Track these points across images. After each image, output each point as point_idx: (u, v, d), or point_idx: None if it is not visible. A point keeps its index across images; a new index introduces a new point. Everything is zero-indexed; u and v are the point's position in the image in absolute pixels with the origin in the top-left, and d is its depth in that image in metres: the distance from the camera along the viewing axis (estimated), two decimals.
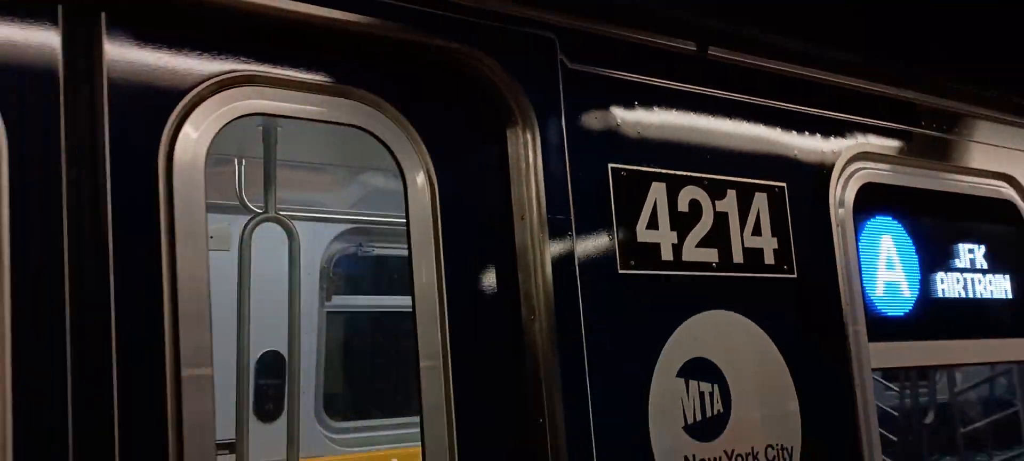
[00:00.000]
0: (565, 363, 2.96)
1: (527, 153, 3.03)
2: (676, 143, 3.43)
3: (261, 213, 4.79)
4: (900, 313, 4.08)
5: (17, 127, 2.23)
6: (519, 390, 2.97)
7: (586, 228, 3.11)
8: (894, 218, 4.13)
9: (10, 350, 2.13)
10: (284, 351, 6.79)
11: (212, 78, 2.55)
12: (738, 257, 3.50)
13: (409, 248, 2.87)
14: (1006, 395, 4.99)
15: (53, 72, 2.32)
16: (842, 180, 3.92)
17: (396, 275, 7.50)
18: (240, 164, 5.63)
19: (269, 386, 6.68)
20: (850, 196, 3.93)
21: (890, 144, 4.15)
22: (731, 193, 3.52)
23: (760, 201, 3.60)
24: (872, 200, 4.02)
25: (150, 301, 2.35)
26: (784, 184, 3.69)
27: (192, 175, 2.47)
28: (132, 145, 2.39)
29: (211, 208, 7.08)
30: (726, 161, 3.53)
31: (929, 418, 6.59)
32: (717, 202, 3.47)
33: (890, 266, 4.09)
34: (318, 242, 7.11)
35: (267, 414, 6.67)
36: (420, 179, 2.89)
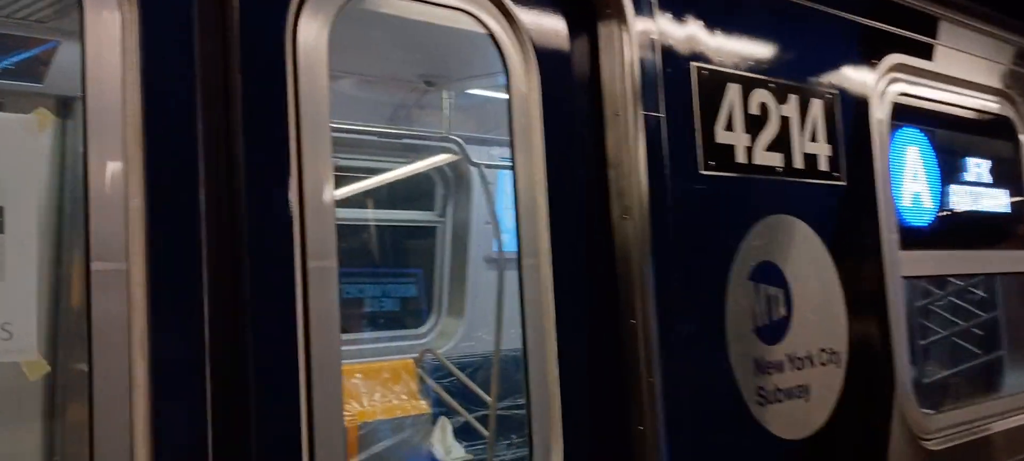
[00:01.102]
0: (657, 264, 2.89)
1: (621, 47, 2.90)
2: (749, 45, 3.37)
3: None
4: (924, 223, 4.18)
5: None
6: (611, 290, 2.88)
7: (673, 127, 3.03)
8: (921, 131, 4.21)
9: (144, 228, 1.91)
10: None
11: None
12: (798, 162, 3.48)
13: (511, 144, 2.73)
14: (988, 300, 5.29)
15: None
16: (881, 91, 3.95)
17: (368, 190, 7.24)
18: None
19: None
20: (887, 107, 3.98)
21: (920, 62, 4.20)
22: (793, 98, 3.49)
23: (816, 107, 3.58)
24: (903, 113, 4.08)
25: (280, 186, 2.15)
26: (836, 92, 3.69)
27: (316, 54, 2.26)
28: (260, 18, 2.16)
29: None
30: (789, 66, 3.50)
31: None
32: (781, 106, 3.44)
33: (915, 178, 4.18)
34: None
35: None
36: (523, 75, 2.74)
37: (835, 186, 3.64)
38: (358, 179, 7.21)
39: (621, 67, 2.90)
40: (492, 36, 2.70)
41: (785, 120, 3.45)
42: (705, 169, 3.12)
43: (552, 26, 2.85)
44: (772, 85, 3.41)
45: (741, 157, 3.26)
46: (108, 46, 1.91)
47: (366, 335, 7.55)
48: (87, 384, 1.78)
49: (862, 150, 3.81)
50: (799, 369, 3.36)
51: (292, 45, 2.21)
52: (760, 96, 3.35)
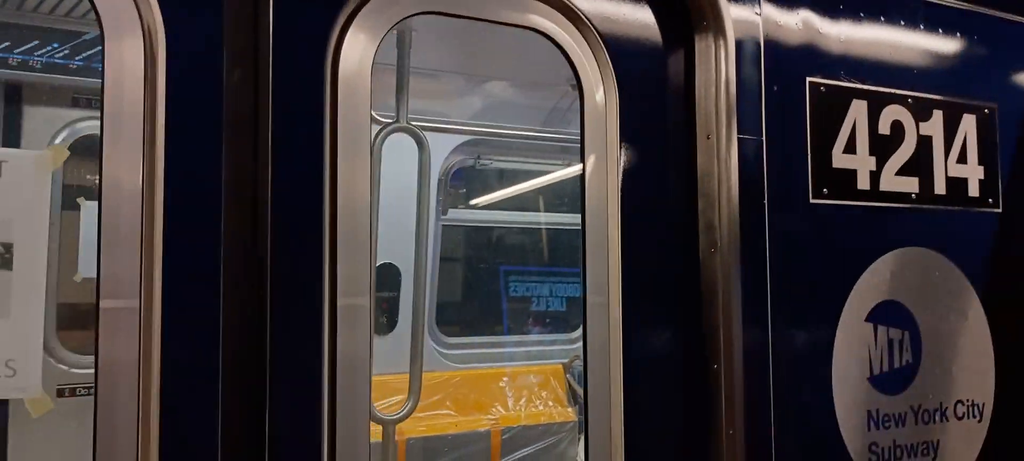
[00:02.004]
0: (747, 303, 2.61)
1: (717, 63, 2.62)
2: (880, 55, 2.99)
3: (393, 122, 4.52)
4: None
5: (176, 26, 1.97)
6: (693, 331, 2.64)
7: (777, 150, 2.73)
8: None
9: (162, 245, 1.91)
10: (398, 264, 6.66)
11: None
12: (940, 187, 3.07)
13: (582, 163, 2.54)
14: None
15: None
16: None
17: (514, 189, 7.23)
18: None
19: (383, 299, 6.53)
20: None
21: None
22: (937, 114, 3.08)
23: (968, 124, 3.14)
24: None
25: (310, 215, 2.09)
26: (995, 105, 3.22)
27: (358, 82, 2.18)
28: (296, 50, 2.10)
29: None
30: (933, 77, 3.08)
31: None
32: (921, 124, 3.04)
33: None
34: (436, 154, 6.85)
35: (379, 327, 6.54)
36: (598, 88, 2.54)
37: (987, 214, 3.18)
38: (520, 181, 7.22)
39: (716, 84, 2.62)
40: (559, 47, 2.52)
41: (926, 140, 3.04)
42: (816, 198, 2.80)
43: (638, 37, 2.63)
44: (910, 100, 3.01)
45: (863, 183, 2.90)
46: (131, 75, 1.91)
47: (520, 337, 7.54)
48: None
49: None
50: (925, 423, 2.97)
51: (331, 74, 2.14)
52: (893, 113, 2.98)
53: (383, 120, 4.99)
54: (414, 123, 5.07)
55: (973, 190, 3.14)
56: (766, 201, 2.69)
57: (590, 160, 2.53)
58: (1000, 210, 3.20)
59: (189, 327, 1.94)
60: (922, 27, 3.11)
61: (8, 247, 1.78)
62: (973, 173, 3.15)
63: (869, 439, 2.84)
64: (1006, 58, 3.30)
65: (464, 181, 7.37)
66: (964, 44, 3.20)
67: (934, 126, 3.06)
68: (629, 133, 2.56)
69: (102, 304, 1.83)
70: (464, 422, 6.64)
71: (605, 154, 2.54)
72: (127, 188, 1.89)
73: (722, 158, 2.62)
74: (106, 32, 1.89)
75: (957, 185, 3.11)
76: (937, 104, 3.07)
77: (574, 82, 2.58)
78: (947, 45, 3.15)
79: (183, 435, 1.90)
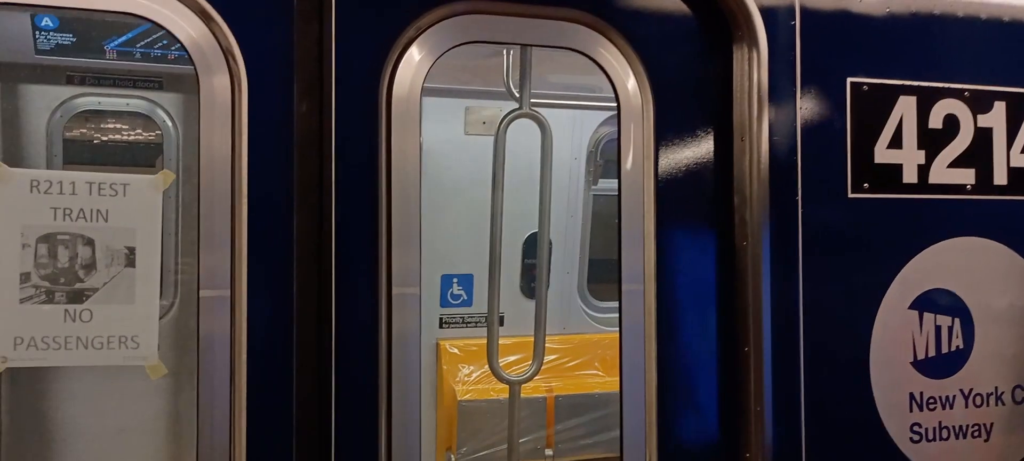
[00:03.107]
0: (777, 292, 2.86)
1: (751, 69, 2.86)
2: (931, 50, 3.08)
3: (516, 109, 4.94)
4: None
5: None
6: (726, 319, 2.91)
7: (814, 150, 2.93)
8: None
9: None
10: (553, 235, 7.10)
11: (435, 8, 2.65)
12: (1000, 178, 3.13)
13: (619, 170, 2.87)
14: None
15: (288, 8, 2.54)
16: None
17: None
18: (508, 53, 5.81)
19: (530, 266, 7.00)
20: None
21: None
22: (999, 105, 3.13)
23: None
24: None
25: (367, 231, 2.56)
26: None
27: (408, 107, 2.62)
28: (355, 78, 2.57)
29: (482, 95, 7.32)
30: (993, 69, 3.13)
31: None
32: (979, 116, 3.10)
33: None
34: (586, 126, 7.19)
35: (532, 291, 7.03)
36: (635, 100, 2.85)
37: None
38: None
39: (748, 90, 2.86)
40: (598, 63, 2.83)
41: (984, 132, 3.11)
42: (855, 192, 2.97)
43: (673, 49, 2.90)
44: (966, 94, 3.09)
45: (910, 176, 3.03)
46: (221, 107, 2.45)
47: None
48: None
49: None
50: (978, 406, 3.08)
51: (386, 101, 2.59)
52: (947, 106, 3.07)
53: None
54: (547, 102, 5.46)
55: None
56: (799, 197, 2.90)
57: (627, 161, 2.85)
58: None
59: (270, 312, 2.48)
60: (982, 15, 3.15)
61: (132, 250, 2.37)
62: None
63: (911, 420, 3.00)
64: None
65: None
66: None
67: (995, 118, 3.11)
68: (665, 138, 2.85)
69: (202, 293, 2.40)
70: (611, 382, 7.04)
71: (641, 156, 2.85)
72: (219, 197, 2.45)
73: (754, 158, 2.86)
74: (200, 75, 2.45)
75: (1020, 174, 3.15)
76: (998, 95, 3.11)
77: None
78: (1010, 32, 3.18)
79: (265, 403, 2.46)
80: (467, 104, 6.75)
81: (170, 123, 5.62)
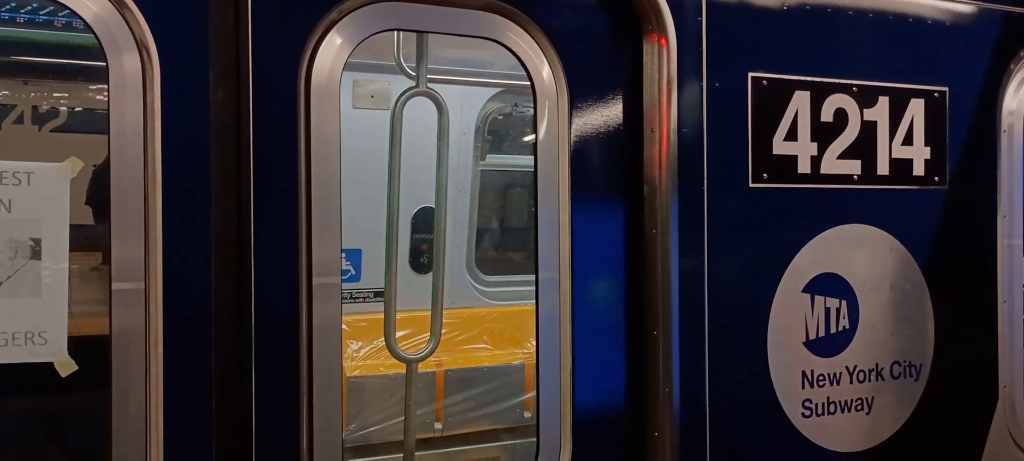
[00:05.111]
0: (685, 277, 2.98)
1: (660, 62, 2.95)
2: (824, 48, 3.26)
3: (413, 88, 4.91)
4: None
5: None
6: (635, 303, 3.01)
7: (718, 140, 3.06)
8: None
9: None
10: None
11: None
12: (883, 168, 3.35)
13: (535, 158, 2.91)
14: None
15: None
16: (1016, 83, 3.62)
17: None
18: (398, 34, 5.75)
19: (423, 240, 6.99)
20: (1022, 100, 3.64)
21: None
22: (883, 100, 3.34)
23: (915, 108, 3.39)
24: None
25: (286, 213, 2.53)
26: (945, 88, 3.45)
27: (329, 94, 2.58)
28: (273, 65, 2.51)
29: (374, 69, 7.22)
30: (879, 66, 3.33)
31: None
32: (866, 110, 3.31)
33: None
34: (474, 102, 7.21)
35: (421, 267, 7.02)
36: (550, 91, 2.90)
37: (932, 191, 3.45)
38: None
39: (659, 83, 2.95)
40: (519, 58, 2.87)
41: (871, 125, 3.31)
42: (756, 182, 3.12)
43: (587, 42, 2.96)
44: (855, 89, 3.28)
45: (804, 167, 3.20)
46: (131, 92, 2.35)
47: None
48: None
49: (978, 150, 3.55)
50: (861, 382, 3.30)
51: (305, 89, 2.55)
52: (837, 101, 3.25)
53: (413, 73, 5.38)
54: (442, 79, 5.44)
55: (918, 169, 3.40)
56: (705, 187, 3.02)
57: (542, 152, 2.90)
58: (945, 187, 3.46)
59: (186, 306, 2.42)
60: (871, 16, 3.35)
61: (38, 241, 2.26)
62: (919, 154, 3.40)
63: (803, 397, 3.20)
64: (958, 43, 3.51)
65: (505, 127, 7.72)
66: (914, 31, 3.42)
67: (879, 112, 3.32)
68: (580, 129, 2.92)
69: (114, 286, 2.32)
70: (500, 355, 7.14)
71: (556, 146, 2.90)
72: (131, 186, 2.35)
73: (663, 150, 2.97)
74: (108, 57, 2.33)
75: (901, 165, 3.37)
76: (883, 91, 3.32)
77: None
78: (896, 33, 3.39)
79: (182, 400, 2.40)
80: (355, 77, 6.65)
81: None
